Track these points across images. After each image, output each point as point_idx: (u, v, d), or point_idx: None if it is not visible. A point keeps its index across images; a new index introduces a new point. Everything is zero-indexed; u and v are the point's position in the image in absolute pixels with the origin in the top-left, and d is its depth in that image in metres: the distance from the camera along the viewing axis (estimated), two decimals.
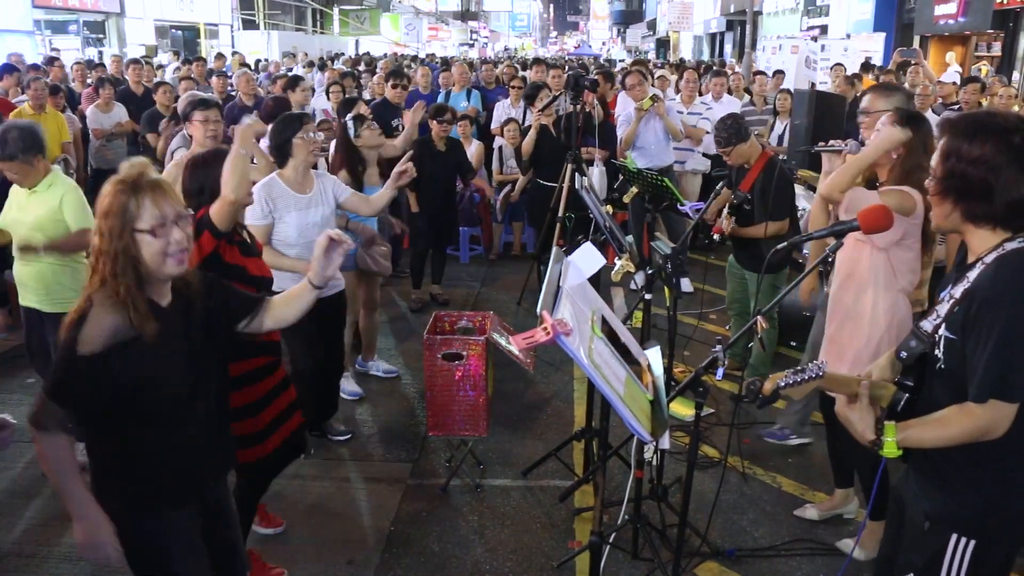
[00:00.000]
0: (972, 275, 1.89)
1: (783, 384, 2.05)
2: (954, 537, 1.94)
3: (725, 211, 4.57)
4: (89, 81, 9.79)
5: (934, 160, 1.95)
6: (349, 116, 4.83)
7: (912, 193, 2.97)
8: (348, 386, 4.86)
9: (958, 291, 1.91)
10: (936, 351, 1.95)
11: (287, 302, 2.41)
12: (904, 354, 2.05)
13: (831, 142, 3.39)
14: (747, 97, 9.38)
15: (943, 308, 1.95)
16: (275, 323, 2.39)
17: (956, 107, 7.57)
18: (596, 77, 7.45)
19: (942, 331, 1.93)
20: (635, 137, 6.69)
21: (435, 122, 6.14)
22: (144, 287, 2.03)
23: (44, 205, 3.75)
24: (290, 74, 9.55)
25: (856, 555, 3.20)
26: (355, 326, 4.96)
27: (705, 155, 7.73)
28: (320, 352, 3.93)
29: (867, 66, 11.19)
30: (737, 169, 4.70)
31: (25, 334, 4.17)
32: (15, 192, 3.88)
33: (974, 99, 7.08)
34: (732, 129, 4.58)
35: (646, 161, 6.72)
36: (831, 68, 10.23)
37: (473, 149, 7.74)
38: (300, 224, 3.77)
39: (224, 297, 2.30)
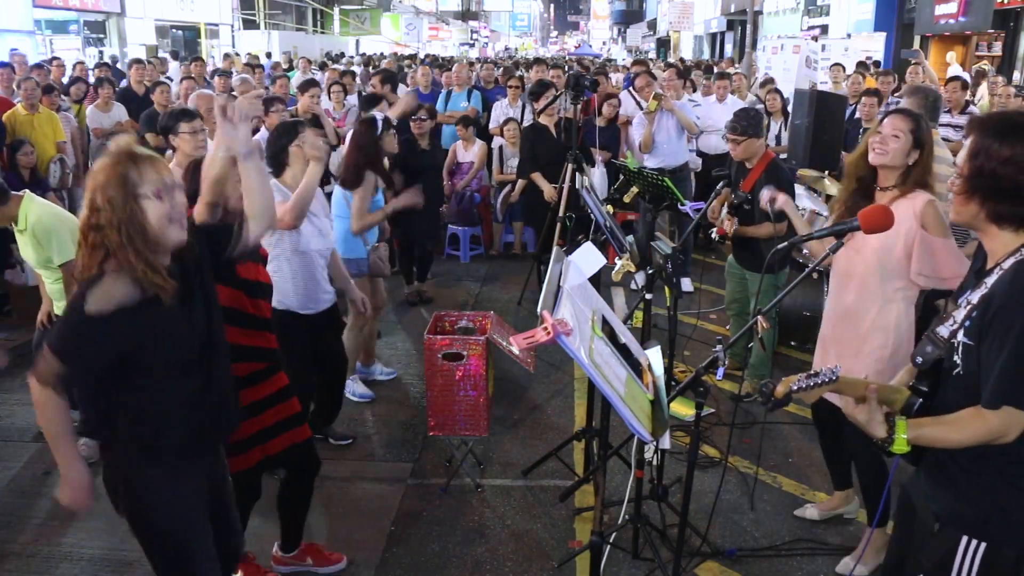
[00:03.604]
0: (990, 281, 1.88)
1: (795, 388, 2.02)
2: (964, 539, 1.93)
3: (725, 211, 4.56)
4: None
5: (960, 158, 1.92)
6: (380, 115, 4.72)
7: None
8: (358, 388, 4.85)
9: (975, 297, 1.90)
10: (955, 357, 1.93)
11: (247, 193, 2.32)
12: (920, 359, 2.04)
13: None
14: (753, 97, 9.36)
15: (960, 313, 1.93)
16: (255, 215, 2.31)
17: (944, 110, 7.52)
18: (596, 78, 7.47)
19: (960, 337, 1.91)
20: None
21: (411, 121, 6.18)
22: (145, 257, 2.04)
23: (33, 242, 3.74)
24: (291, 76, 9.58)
25: (858, 572, 3.20)
26: (364, 329, 4.92)
27: (701, 153, 7.73)
28: (307, 369, 3.79)
29: (864, 65, 11.18)
30: (738, 168, 4.69)
31: (38, 335, 4.19)
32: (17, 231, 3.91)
33: (956, 97, 7.02)
34: (753, 121, 4.54)
35: (659, 161, 6.73)
36: (830, 68, 10.21)
37: (476, 149, 7.74)
38: (307, 232, 3.66)
39: (207, 238, 2.29)
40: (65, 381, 2.11)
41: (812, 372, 2.02)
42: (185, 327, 2.17)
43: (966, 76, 10.55)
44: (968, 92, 7.64)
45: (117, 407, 2.16)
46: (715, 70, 12.06)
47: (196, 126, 3.93)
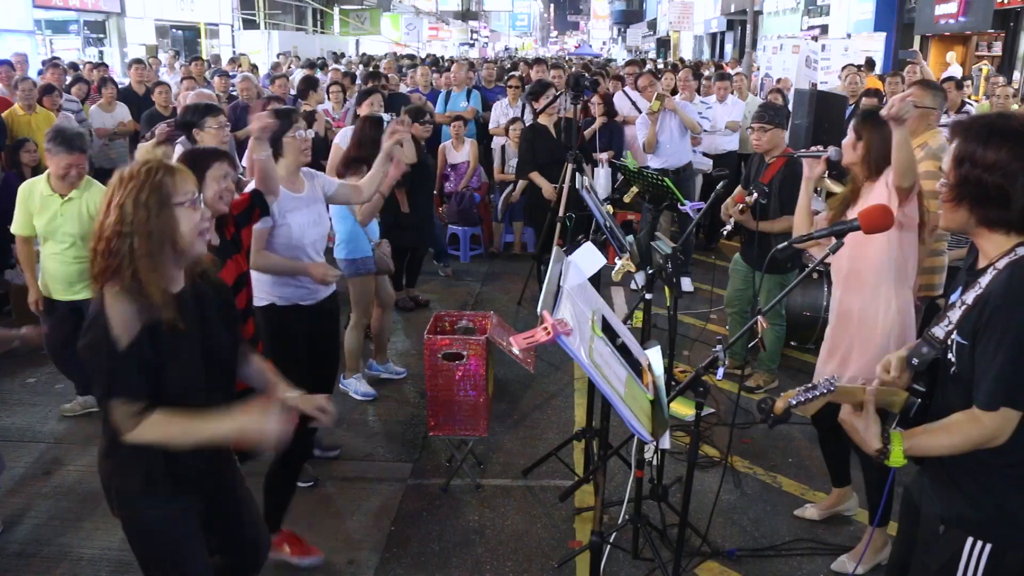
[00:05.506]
0: (984, 280, 1.87)
1: (795, 402, 2.02)
2: (969, 540, 1.92)
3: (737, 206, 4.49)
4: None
5: (946, 164, 1.91)
6: (388, 117, 4.70)
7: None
8: (361, 387, 4.85)
9: (970, 297, 1.89)
10: (949, 355, 1.93)
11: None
12: (916, 360, 2.04)
13: (812, 148, 3.59)
14: (755, 99, 9.36)
15: (955, 314, 1.93)
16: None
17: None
18: (596, 78, 7.49)
19: (954, 336, 1.91)
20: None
21: (416, 124, 6.04)
22: (163, 271, 2.05)
23: (85, 212, 4.03)
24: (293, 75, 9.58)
25: (856, 571, 3.21)
26: (366, 328, 4.91)
27: (705, 154, 7.73)
28: (303, 375, 3.53)
29: (870, 63, 11.19)
30: (758, 163, 4.69)
31: (49, 329, 4.18)
32: (45, 199, 4.10)
33: (951, 98, 6.99)
34: (779, 112, 4.68)
35: (663, 161, 6.73)
36: (842, 69, 10.14)
37: (467, 148, 7.74)
38: (299, 224, 3.56)
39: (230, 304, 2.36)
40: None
41: (810, 385, 2.02)
42: (200, 353, 2.14)
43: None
44: (963, 92, 7.64)
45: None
46: (719, 71, 12.05)
47: (222, 121, 4.00)
